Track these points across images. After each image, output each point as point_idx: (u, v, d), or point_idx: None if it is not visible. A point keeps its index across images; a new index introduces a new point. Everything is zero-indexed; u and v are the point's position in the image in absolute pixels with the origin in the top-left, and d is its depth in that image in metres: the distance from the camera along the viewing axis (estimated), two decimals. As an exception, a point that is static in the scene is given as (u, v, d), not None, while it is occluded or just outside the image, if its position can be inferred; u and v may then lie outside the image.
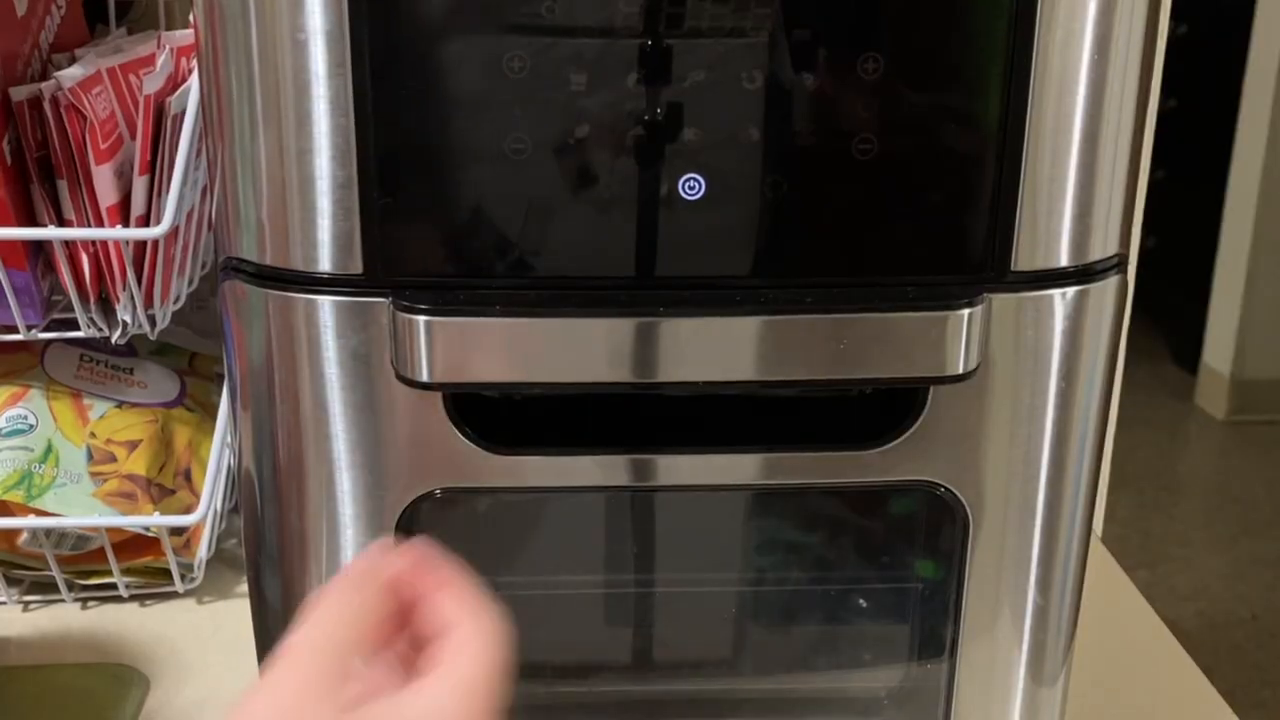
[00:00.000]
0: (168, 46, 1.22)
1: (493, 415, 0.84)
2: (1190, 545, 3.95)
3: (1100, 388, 0.86)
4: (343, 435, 0.83)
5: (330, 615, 0.67)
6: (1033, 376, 0.84)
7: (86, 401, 1.30)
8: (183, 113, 1.15)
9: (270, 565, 0.88)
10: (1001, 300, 0.82)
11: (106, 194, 1.12)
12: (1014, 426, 0.86)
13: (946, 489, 0.87)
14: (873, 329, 0.81)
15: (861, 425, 0.86)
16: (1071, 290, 0.83)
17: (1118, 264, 0.84)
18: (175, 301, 1.22)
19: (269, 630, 0.89)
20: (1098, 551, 1.40)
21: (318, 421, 0.83)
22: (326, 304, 0.80)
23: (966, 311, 0.80)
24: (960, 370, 0.82)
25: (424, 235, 0.79)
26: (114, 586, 1.28)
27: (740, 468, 0.87)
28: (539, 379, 0.80)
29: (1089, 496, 0.89)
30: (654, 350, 0.80)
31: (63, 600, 1.29)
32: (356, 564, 0.71)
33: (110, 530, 1.24)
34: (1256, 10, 4.31)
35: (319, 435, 0.83)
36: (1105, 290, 0.84)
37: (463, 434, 0.82)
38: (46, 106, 1.10)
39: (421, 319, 0.78)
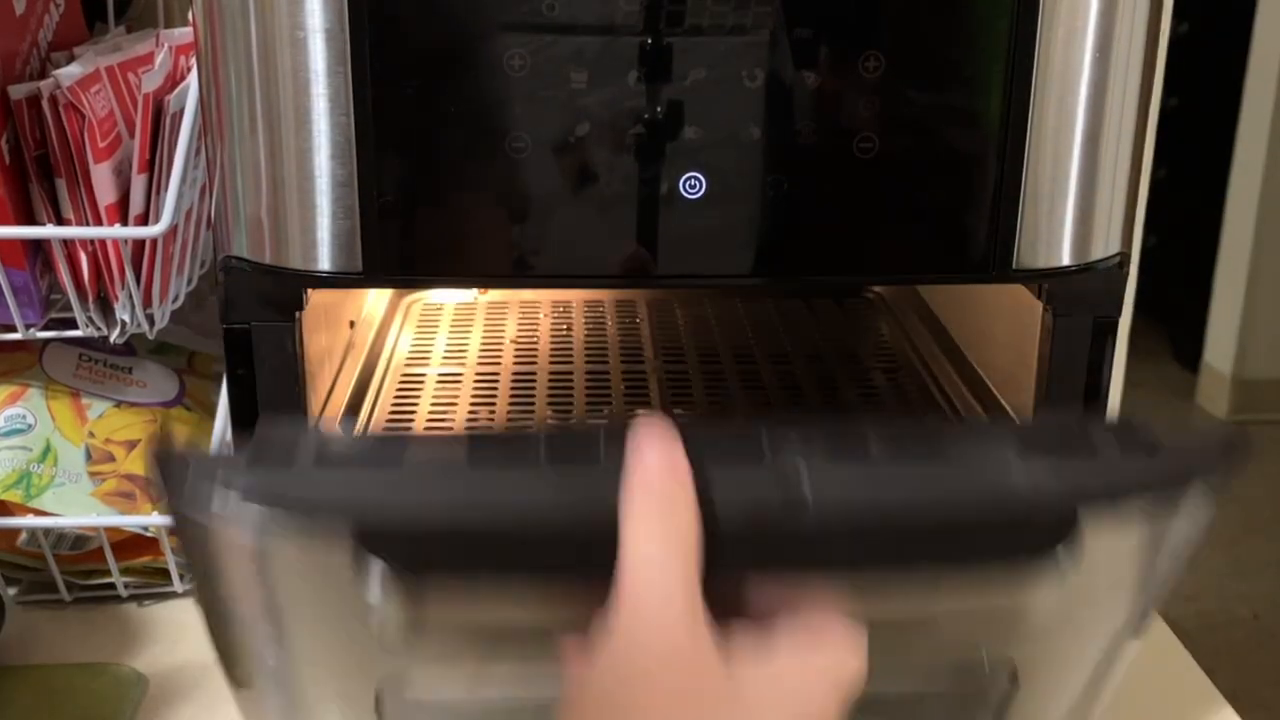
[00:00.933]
0: (166, 45, 1.22)
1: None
2: (1191, 545, 3.94)
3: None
4: (342, 434, 0.83)
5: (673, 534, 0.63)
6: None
7: (85, 401, 1.30)
8: (181, 111, 1.15)
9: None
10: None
11: (105, 192, 1.12)
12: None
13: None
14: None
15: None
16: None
17: (1120, 263, 0.84)
18: (174, 300, 1.22)
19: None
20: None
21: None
22: (326, 303, 0.80)
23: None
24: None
25: (424, 234, 0.79)
26: (113, 586, 1.28)
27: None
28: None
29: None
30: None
31: (62, 600, 1.29)
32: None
33: (109, 530, 1.24)
34: (1258, 9, 4.31)
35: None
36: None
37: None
38: (45, 105, 1.10)
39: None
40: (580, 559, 0.63)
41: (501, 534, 0.63)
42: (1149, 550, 0.71)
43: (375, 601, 0.64)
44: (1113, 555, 0.70)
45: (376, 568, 0.63)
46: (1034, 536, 0.66)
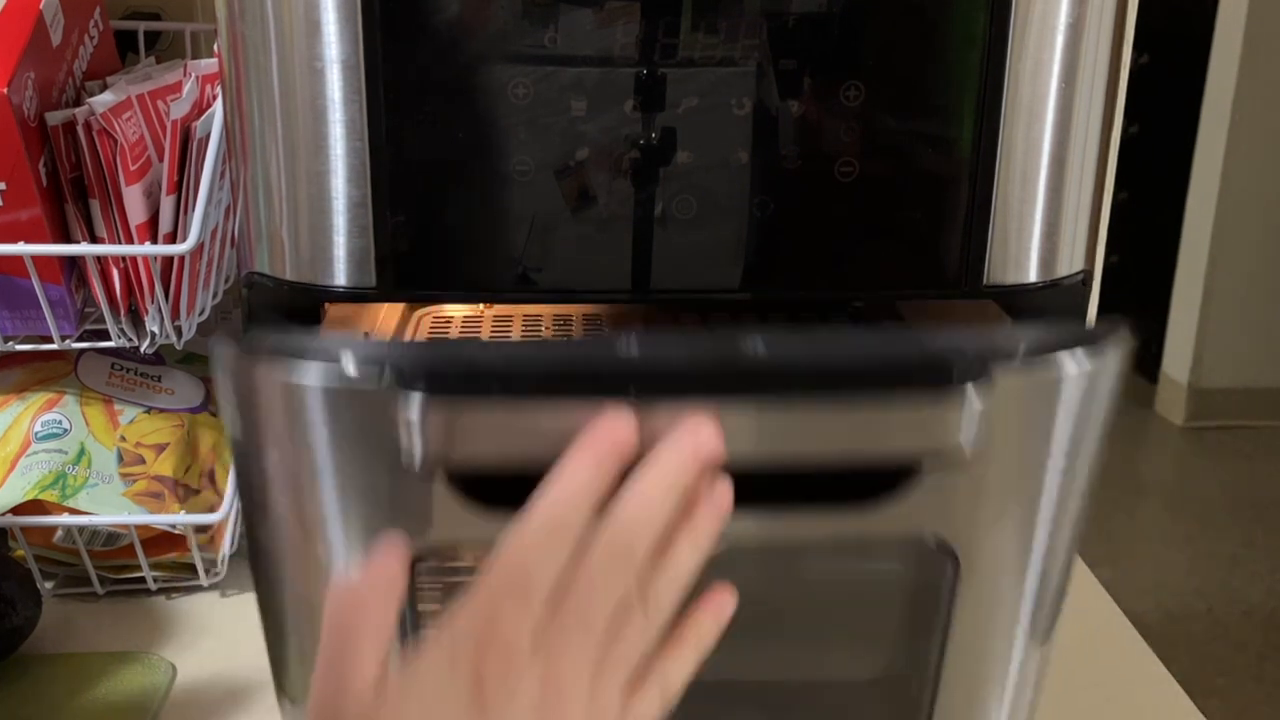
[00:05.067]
0: (194, 74, 1.22)
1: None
2: (1150, 543, 3.95)
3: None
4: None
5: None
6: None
7: (117, 407, 1.30)
8: (207, 136, 1.15)
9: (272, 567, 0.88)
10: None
11: (136, 212, 1.12)
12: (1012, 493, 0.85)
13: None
14: (869, 418, 0.79)
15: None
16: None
17: (1083, 279, 0.84)
18: (200, 313, 1.22)
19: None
20: (1064, 548, 1.40)
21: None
22: (342, 316, 0.80)
23: (970, 392, 0.77)
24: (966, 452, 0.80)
25: (433, 251, 0.79)
26: (143, 580, 1.28)
27: (743, 527, 0.87)
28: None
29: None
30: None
31: (95, 593, 1.29)
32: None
33: (139, 528, 1.23)
34: (1214, 43, 4.32)
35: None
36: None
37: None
38: (80, 130, 1.10)
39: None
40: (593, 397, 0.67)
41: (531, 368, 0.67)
42: (1052, 407, 0.75)
43: (412, 419, 0.66)
44: (1022, 406, 0.74)
45: (415, 395, 0.66)
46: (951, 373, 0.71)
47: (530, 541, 0.63)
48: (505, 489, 0.68)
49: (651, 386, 0.67)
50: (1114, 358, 0.75)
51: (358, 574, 0.67)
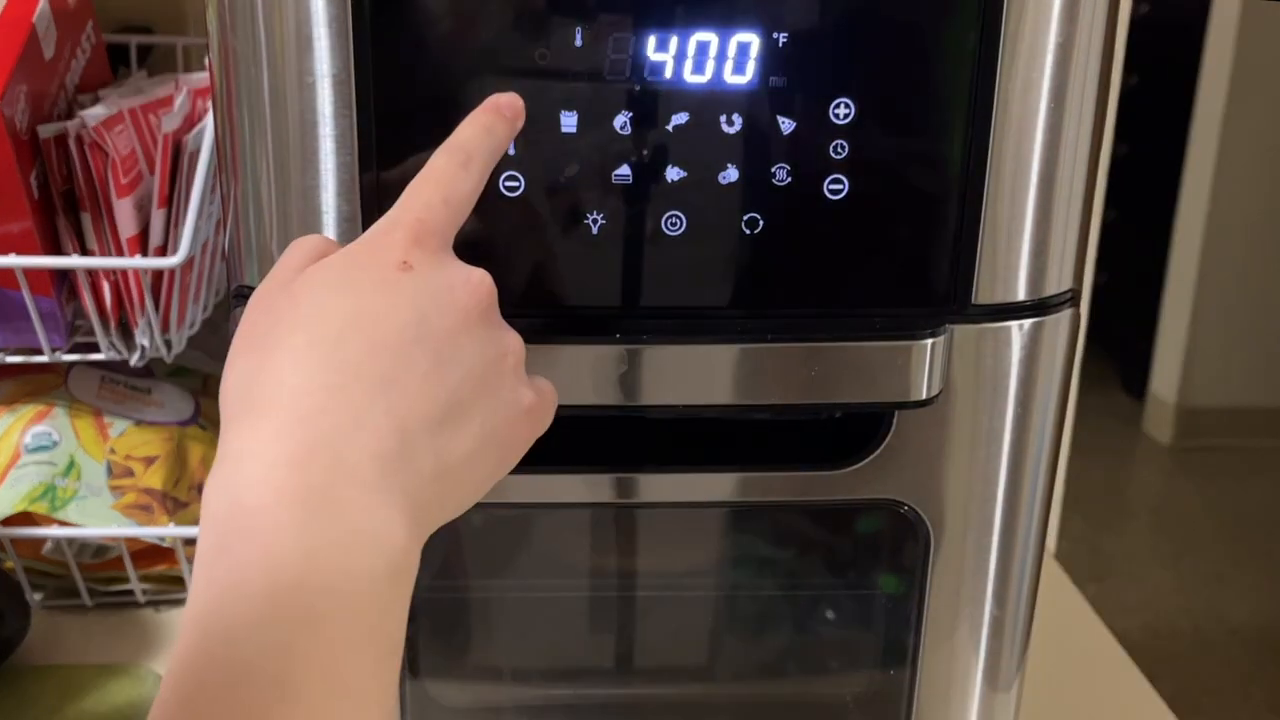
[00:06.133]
0: (185, 88, 1.22)
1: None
2: (1137, 561, 3.95)
3: (1054, 413, 0.86)
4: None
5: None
6: (991, 402, 0.84)
7: (107, 419, 1.29)
8: (198, 150, 1.15)
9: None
10: (963, 331, 0.82)
11: (127, 225, 1.12)
12: (973, 449, 0.85)
13: (910, 508, 0.86)
14: (842, 357, 0.81)
15: (830, 448, 0.86)
16: (1028, 322, 0.83)
17: (1071, 298, 0.84)
18: (191, 327, 1.22)
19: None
20: (1051, 567, 1.40)
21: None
22: (331, 330, 0.80)
23: (930, 341, 0.80)
24: (924, 395, 0.82)
25: (423, 266, 0.79)
26: (131, 593, 1.28)
27: (716, 486, 0.87)
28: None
29: (1043, 514, 0.89)
30: (638, 375, 0.80)
31: (84, 605, 1.29)
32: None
33: (128, 540, 1.23)
34: (1203, 65, 4.33)
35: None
36: (1060, 322, 0.84)
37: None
38: (72, 143, 1.10)
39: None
40: None
41: None
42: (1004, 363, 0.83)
43: None
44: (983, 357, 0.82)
45: None
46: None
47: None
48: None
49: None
50: (1063, 320, 0.83)
51: None
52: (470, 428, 0.65)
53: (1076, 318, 0.85)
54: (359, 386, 0.62)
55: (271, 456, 0.59)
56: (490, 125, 0.72)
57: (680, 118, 0.77)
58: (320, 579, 0.57)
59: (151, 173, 1.14)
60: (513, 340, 0.69)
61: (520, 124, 0.74)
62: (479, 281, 0.68)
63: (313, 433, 0.60)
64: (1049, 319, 0.83)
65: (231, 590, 0.57)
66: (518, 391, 0.69)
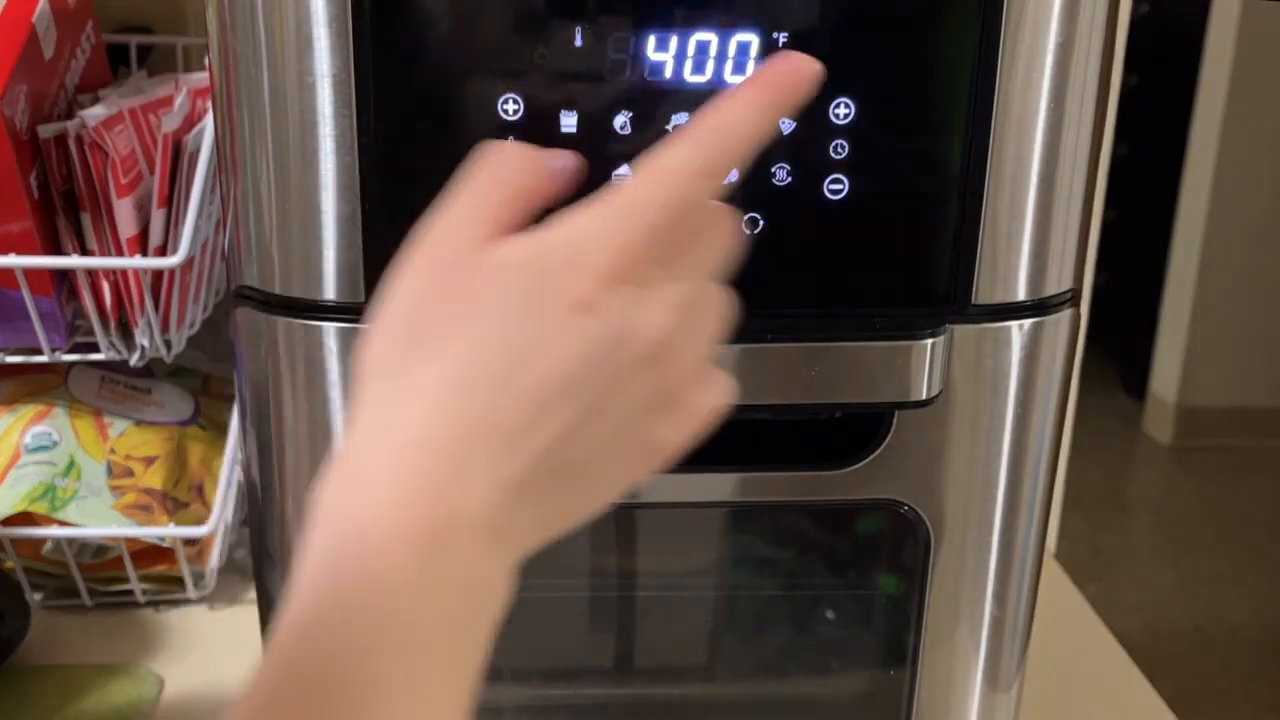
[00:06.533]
0: (185, 88, 1.22)
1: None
2: (1137, 561, 3.95)
3: (1054, 413, 0.86)
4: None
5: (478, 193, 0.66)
6: (991, 402, 0.84)
7: (107, 419, 1.29)
8: (198, 150, 1.15)
9: (275, 574, 0.87)
10: (963, 331, 0.82)
11: (126, 225, 1.12)
12: (973, 448, 0.85)
13: (909, 507, 0.86)
14: (842, 357, 0.81)
15: (830, 448, 0.86)
16: (1028, 322, 0.83)
17: (1071, 298, 0.84)
18: (190, 327, 1.22)
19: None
20: (1051, 567, 1.40)
21: (321, 440, 0.83)
22: (331, 330, 0.80)
23: (930, 341, 0.80)
24: (923, 395, 0.82)
25: (423, 266, 0.79)
26: (131, 593, 1.28)
27: (716, 486, 0.87)
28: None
29: (1043, 513, 0.89)
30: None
31: (84, 605, 1.28)
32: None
33: (128, 540, 1.23)
34: (1203, 65, 4.33)
35: (321, 453, 0.83)
36: (1060, 322, 0.83)
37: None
38: (72, 143, 1.10)
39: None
40: None
41: None
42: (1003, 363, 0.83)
43: None
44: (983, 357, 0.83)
45: None
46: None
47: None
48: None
49: None
50: (1063, 320, 0.83)
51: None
52: (591, 482, 0.65)
53: (1076, 318, 0.85)
54: (499, 436, 0.60)
55: (400, 484, 0.59)
56: (765, 109, 0.67)
57: (680, 118, 0.76)
58: (424, 620, 0.59)
59: (151, 173, 1.14)
60: (680, 374, 0.66)
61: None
62: (659, 329, 0.63)
63: (441, 473, 0.59)
64: (1049, 319, 0.83)
65: (335, 609, 0.58)
66: (655, 437, 0.65)
